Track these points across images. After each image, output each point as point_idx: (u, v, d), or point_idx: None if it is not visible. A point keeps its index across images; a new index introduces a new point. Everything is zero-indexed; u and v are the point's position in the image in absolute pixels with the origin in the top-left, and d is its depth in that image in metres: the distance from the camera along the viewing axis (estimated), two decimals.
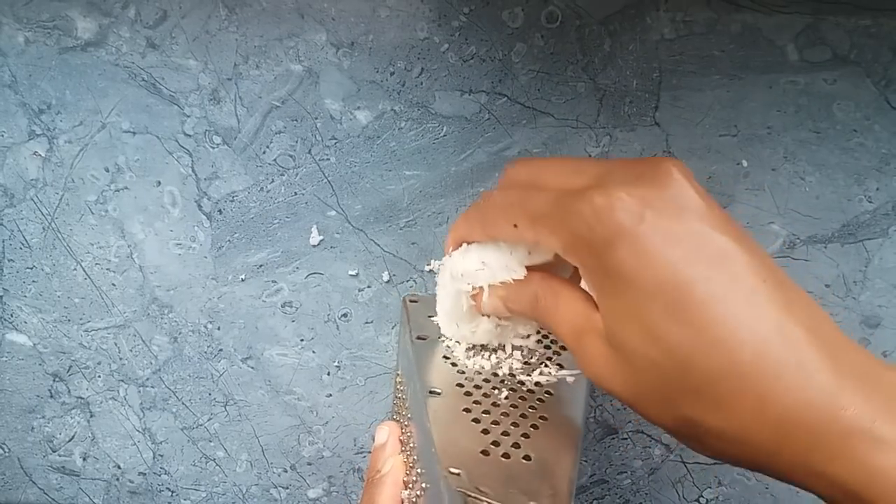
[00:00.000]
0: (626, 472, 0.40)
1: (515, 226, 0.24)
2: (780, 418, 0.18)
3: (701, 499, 0.40)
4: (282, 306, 0.39)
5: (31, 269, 0.39)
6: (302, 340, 0.40)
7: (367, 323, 0.39)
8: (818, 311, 0.20)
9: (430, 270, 0.38)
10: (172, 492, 0.42)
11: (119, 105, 0.37)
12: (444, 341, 0.31)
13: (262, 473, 0.41)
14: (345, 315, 0.39)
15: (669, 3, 0.35)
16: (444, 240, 0.38)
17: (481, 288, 0.27)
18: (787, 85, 0.36)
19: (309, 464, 0.41)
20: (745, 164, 0.37)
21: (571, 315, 0.23)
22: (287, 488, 0.42)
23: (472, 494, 0.20)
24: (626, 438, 0.40)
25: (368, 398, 0.40)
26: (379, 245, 0.38)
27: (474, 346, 0.30)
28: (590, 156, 0.37)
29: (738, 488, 0.40)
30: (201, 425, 0.41)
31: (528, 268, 0.26)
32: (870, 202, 0.37)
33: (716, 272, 0.19)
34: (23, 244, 0.39)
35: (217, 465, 0.41)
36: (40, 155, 0.38)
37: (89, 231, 0.39)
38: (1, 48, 0.37)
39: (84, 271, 0.39)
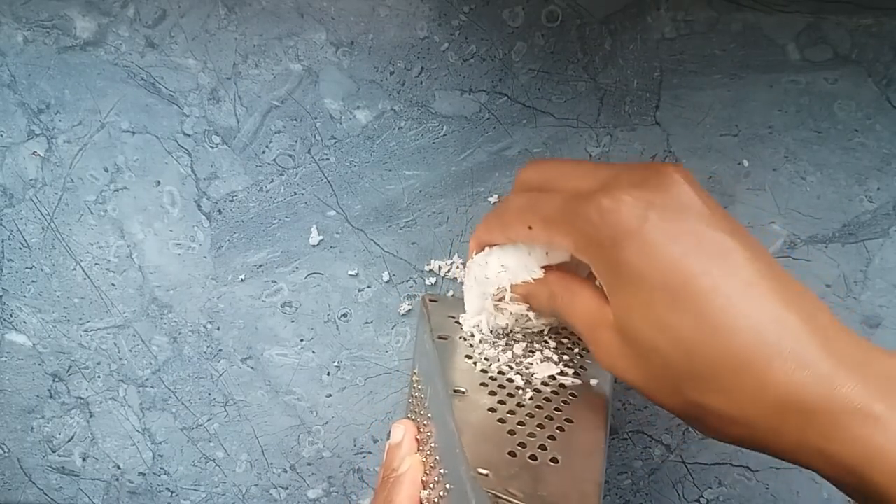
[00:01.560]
0: (626, 472, 0.40)
1: (530, 228, 0.26)
2: (777, 399, 0.19)
3: (701, 499, 0.40)
4: (281, 306, 0.39)
5: (31, 269, 0.39)
6: (302, 340, 0.40)
7: (366, 323, 0.39)
8: (815, 302, 0.21)
9: (430, 270, 0.38)
10: (172, 492, 0.42)
11: (118, 105, 0.37)
12: (465, 341, 0.31)
13: (261, 474, 0.41)
14: (345, 315, 0.39)
15: (670, 2, 0.35)
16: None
17: (504, 288, 0.29)
18: (788, 84, 0.36)
19: (309, 464, 0.41)
20: (745, 163, 0.37)
21: (586, 310, 0.24)
22: (287, 489, 0.41)
23: (503, 496, 0.20)
24: (626, 439, 0.40)
25: (368, 398, 0.40)
26: (379, 245, 0.38)
27: (499, 343, 0.31)
28: (590, 156, 0.37)
29: (738, 489, 0.40)
30: (201, 425, 0.41)
31: (547, 268, 0.28)
32: (871, 202, 0.37)
33: (715, 266, 0.21)
34: (22, 244, 0.39)
35: (217, 465, 0.41)
36: (39, 155, 0.38)
37: (89, 231, 0.39)
38: (0, 47, 0.37)
39: (83, 271, 0.39)
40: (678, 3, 0.35)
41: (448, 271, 0.38)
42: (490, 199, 0.38)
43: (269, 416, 0.41)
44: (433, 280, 0.38)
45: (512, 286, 0.28)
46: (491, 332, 0.31)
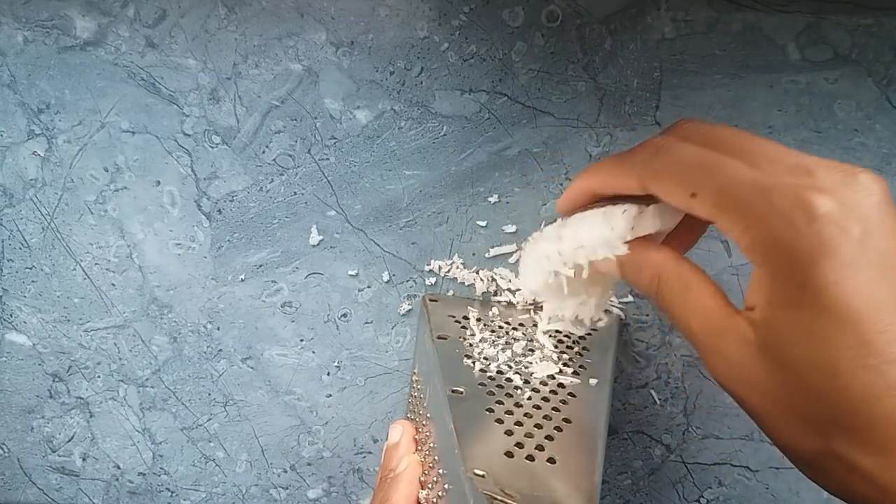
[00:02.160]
0: (626, 472, 0.40)
1: (693, 195, 0.20)
2: None
3: (701, 499, 0.40)
4: (281, 306, 0.39)
5: (31, 269, 0.39)
6: (302, 340, 0.40)
7: (366, 323, 0.39)
8: None
9: (430, 270, 0.38)
10: (172, 492, 0.42)
11: (118, 104, 0.37)
12: (465, 340, 0.30)
13: (261, 474, 0.41)
14: (344, 315, 0.39)
15: (670, 2, 0.35)
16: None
17: (581, 265, 0.25)
18: (788, 84, 0.36)
19: (309, 464, 0.41)
20: None
21: (705, 311, 0.21)
22: (287, 489, 0.41)
23: (498, 497, 0.20)
24: (626, 439, 0.40)
25: (368, 398, 0.40)
26: (379, 245, 0.38)
27: (499, 342, 0.29)
28: (590, 156, 0.37)
29: (738, 489, 0.40)
30: (201, 425, 0.41)
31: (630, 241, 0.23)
32: None
33: None
34: (22, 244, 0.39)
35: (217, 465, 0.41)
36: (39, 155, 0.38)
37: (89, 231, 0.39)
38: (0, 47, 0.37)
39: (83, 271, 0.39)
40: (678, 3, 0.35)
41: (448, 271, 0.38)
42: (490, 198, 0.38)
43: (269, 416, 0.41)
44: (433, 280, 0.38)
45: (592, 263, 0.24)
46: (550, 318, 0.28)
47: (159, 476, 0.42)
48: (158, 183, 0.38)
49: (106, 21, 0.36)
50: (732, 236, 0.20)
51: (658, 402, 0.39)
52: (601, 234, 0.23)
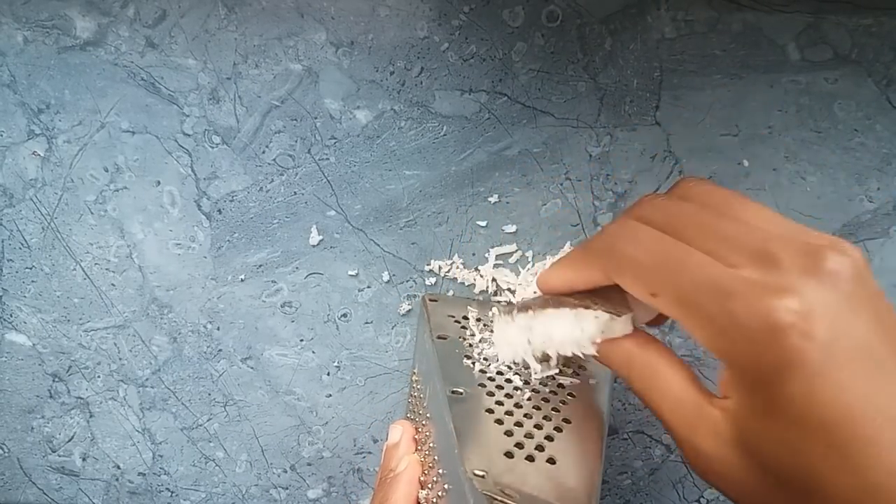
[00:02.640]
0: (626, 472, 0.40)
1: (654, 295, 0.20)
2: None
3: (701, 499, 0.40)
4: (281, 306, 0.39)
5: (31, 269, 0.39)
6: (302, 341, 0.40)
7: (366, 323, 0.39)
8: None
9: (430, 270, 0.38)
10: (172, 492, 0.42)
11: (118, 104, 0.37)
12: (464, 341, 0.30)
13: (261, 474, 0.41)
14: (344, 315, 0.39)
15: (670, 2, 0.35)
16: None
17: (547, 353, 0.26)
18: (788, 84, 0.36)
19: (309, 464, 0.41)
20: (746, 163, 0.37)
21: (676, 401, 0.20)
22: (287, 489, 0.41)
23: (498, 497, 0.20)
24: (626, 439, 0.40)
25: (368, 398, 0.40)
26: (379, 245, 0.38)
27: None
28: (590, 156, 0.37)
29: None
30: (201, 425, 0.41)
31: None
32: (871, 202, 0.37)
33: (887, 404, 0.17)
34: (22, 244, 0.39)
35: (217, 465, 0.41)
36: (39, 155, 0.38)
37: (88, 231, 0.39)
38: (0, 47, 0.37)
39: (83, 271, 0.39)
40: (678, 3, 0.35)
41: (448, 271, 0.38)
42: (490, 198, 0.38)
43: (269, 416, 0.41)
44: (433, 280, 0.38)
45: (579, 355, 0.24)
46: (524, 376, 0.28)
47: (159, 476, 0.42)
48: (158, 183, 0.38)
49: (106, 21, 0.36)
50: (698, 340, 0.19)
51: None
52: (571, 334, 0.24)
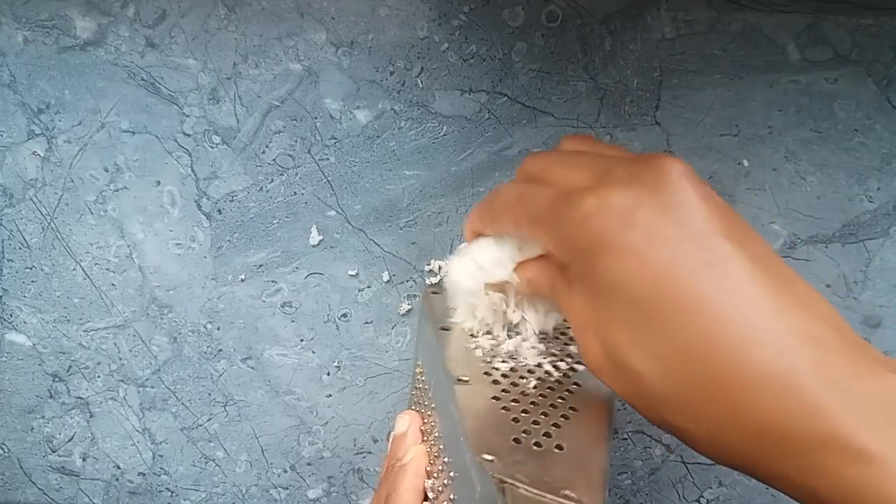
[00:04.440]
0: (626, 472, 0.40)
1: (517, 225, 0.24)
2: (756, 429, 0.18)
3: (701, 499, 0.40)
4: (281, 306, 0.39)
5: (31, 269, 0.39)
6: (302, 341, 0.40)
7: (366, 323, 0.39)
8: (820, 312, 0.19)
9: (430, 270, 0.38)
10: (172, 492, 0.42)
11: (118, 105, 0.37)
12: (467, 331, 0.31)
13: (261, 474, 0.41)
14: (344, 315, 0.39)
15: (670, 2, 0.35)
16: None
17: (484, 284, 0.28)
18: (788, 84, 0.36)
19: (309, 464, 0.41)
20: (746, 163, 0.37)
21: (578, 307, 0.22)
22: (287, 488, 0.41)
23: (509, 481, 0.20)
24: (626, 439, 0.40)
25: (368, 398, 0.40)
26: (379, 245, 0.38)
27: (501, 335, 0.30)
28: None
29: (738, 489, 0.40)
30: (201, 425, 0.41)
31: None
32: (871, 202, 0.37)
33: (703, 280, 0.18)
34: (22, 244, 0.39)
35: (217, 465, 0.41)
36: (39, 155, 0.38)
37: (89, 231, 0.39)
38: (0, 47, 0.37)
39: (83, 271, 0.39)
40: (678, 3, 0.35)
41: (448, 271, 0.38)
42: None
43: (269, 416, 0.41)
44: (433, 280, 0.38)
45: (519, 266, 0.26)
46: (477, 331, 0.30)
47: (159, 476, 0.42)
48: (158, 183, 0.38)
49: (106, 21, 0.36)
50: (548, 248, 0.23)
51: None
52: (494, 255, 0.27)
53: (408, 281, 0.39)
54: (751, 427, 0.18)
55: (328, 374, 0.40)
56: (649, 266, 0.19)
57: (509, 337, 0.30)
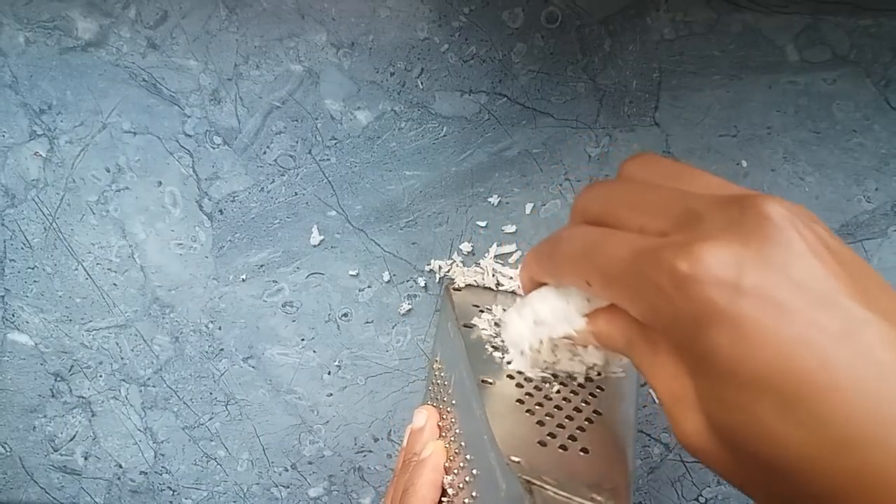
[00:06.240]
0: None
1: (589, 284, 0.20)
2: None
3: (700, 498, 0.40)
4: (282, 306, 0.39)
5: (33, 269, 0.40)
6: (303, 340, 0.40)
7: (367, 323, 0.39)
8: None
9: (430, 270, 0.39)
10: (174, 491, 0.42)
11: (120, 105, 0.37)
12: (490, 331, 0.30)
13: (262, 472, 0.41)
14: (345, 315, 0.39)
15: (669, 3, 0.35)
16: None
17: (541, 341, 0.25)
18: (786, 85, 0.36)
19: (310, 463, 0.41)
20: (744, 164, 0.37)
21: (667, 377, 0.19)
22: (288, 487, 0.42)
23: (537, 483, 0.20)
24: None
25: (369, 398, 0.40)
26: (379, 245, 0.39)
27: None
28: (589, 157, 0.37)
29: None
30: (202, 424, 0.41)
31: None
32: (869, 202, 0.37)
33: (839, 353, 0.15)
34: (24, 244, 0.39)
35: (218, 464, 0.41)
36: (41, 155, 0.38)
37: (90, 231, 0.39)
38: (1, 48, 0.37)
39: (85, 271, 0.39)
40: (677, 4, 0.35)
41: (448, 271, 0.38)
42: (490, 199, 0.38)
43: (270, 415, 0.41)
44: (436, 279, 0.39)
45: (575, 333, 0.24)
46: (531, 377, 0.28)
47: (161, 475, 0.42)
48: (160, 183, 0.38)
49: (107, 22, 0.37)
50: (632, 313, 0.19)
51: (657, 401, 0.39)
52: (558, 306, 0.23)
53: (408, 281, 0.39)
54: None
55: (329, 373, 0.40)
56: (772, 344, 0.16)
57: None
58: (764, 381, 0.16)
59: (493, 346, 0.29)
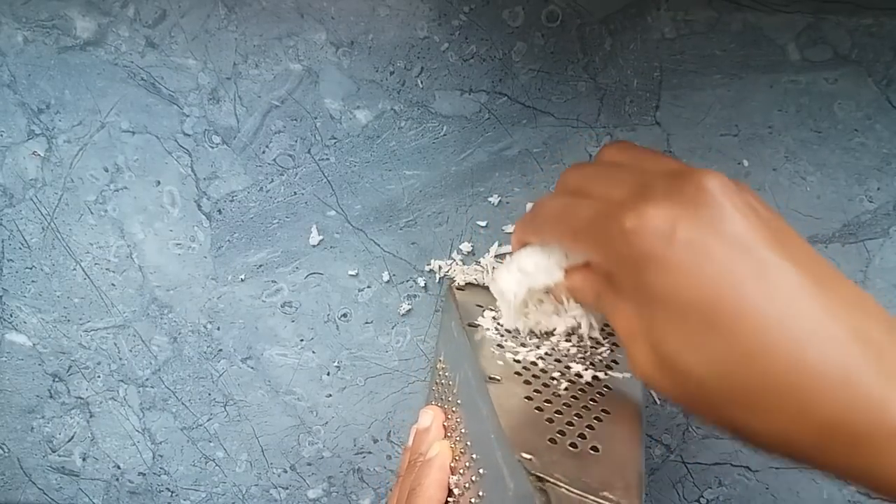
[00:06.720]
0: None
1: (561, 239, 0.25)
2: (822, 423, 0.18)
3: (701, 499, 0.40)
4: (281, 306, 0.39)
5: (31, 269, 0.39)
6: (302, 340, 0.40)
7: (366, 323, 0.39)
8: (868, 310, 0.20)
9: (430, 270, 0.38)
10: (172, 492, 0.42)
11: (118, 104, 0.37)
12: (495, 331, 0.30)
13: (261, 474, 0.41)
14: (344, 315, 0.39)
15: (670, 2, 0.35)
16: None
17: (530, 290, 0.28)
18: (788, 84, 0.36)
19: (309, 464, 0.41)
20: (745, 163, 0.37)
21: (624, 317, 0.23)
22: (287, 488, 0.42)
23: (550, 480, 0.20)
24: None
25: (368, 398, 0.40)
26: (379, 245, 0.38)
27: (533, 333, 0.31)
28: (590, 156, 0.37)
29: (738, 489, 0.40)
30: (201, 425, 0.41)
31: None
32: (871, 202, 0.37)
33: (750, 284, 0.19)
34: (22, 244, 0.39)
35: (217, 465, 0.41)
36: (39, 155, 0.38)
37: (89, 231, 0.39)
38: (0, 47, 0.37)
39: (83, 271, 0.39)
40: (678, 3, 0.35)
41: (448, 271, 0.38)
42: (490, 198, 0.38)
43: (269, 415, 0.41)
44: (435, 279, 0.38)
45: (553, 285, 0.27)
46: (513, 332, 0.31)
47: (159, 476, 0.42)
48: (158, 183, 0.38)
49: (106, 21, 0.36)
50: (595, 261, 0.24)
51: (658, 401, 0.39)
52: (540, 261, 0.27)
53: (408, 281, 0.39)
54: (814, 423, 0.18)
55: (328, 373, 0.40)
56: (696, 278, 0.20)
57: (537, 347, 0.29)
58: (690, 307, 0.20)
59: (498, 345, 0.29)
